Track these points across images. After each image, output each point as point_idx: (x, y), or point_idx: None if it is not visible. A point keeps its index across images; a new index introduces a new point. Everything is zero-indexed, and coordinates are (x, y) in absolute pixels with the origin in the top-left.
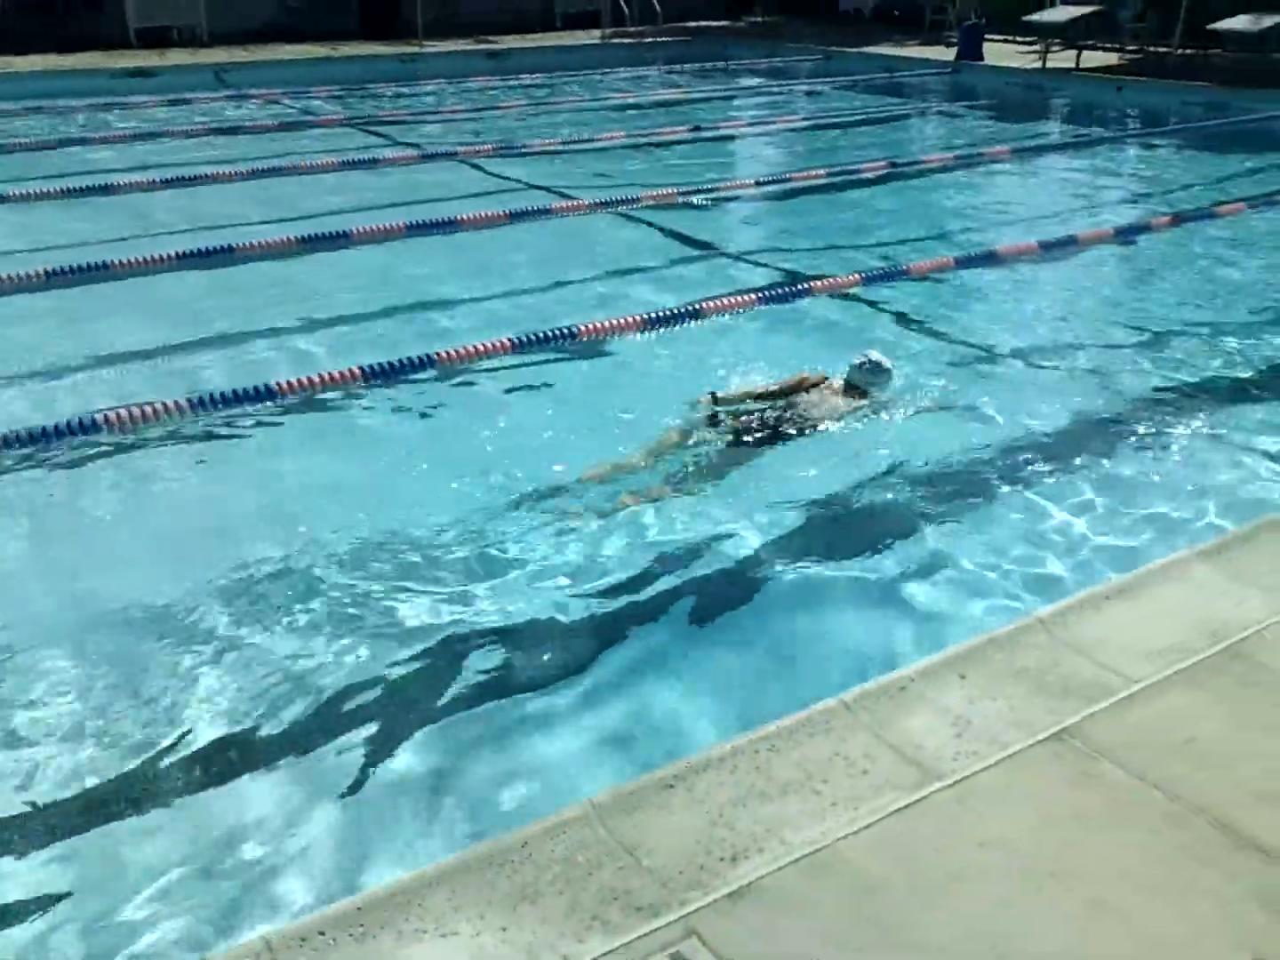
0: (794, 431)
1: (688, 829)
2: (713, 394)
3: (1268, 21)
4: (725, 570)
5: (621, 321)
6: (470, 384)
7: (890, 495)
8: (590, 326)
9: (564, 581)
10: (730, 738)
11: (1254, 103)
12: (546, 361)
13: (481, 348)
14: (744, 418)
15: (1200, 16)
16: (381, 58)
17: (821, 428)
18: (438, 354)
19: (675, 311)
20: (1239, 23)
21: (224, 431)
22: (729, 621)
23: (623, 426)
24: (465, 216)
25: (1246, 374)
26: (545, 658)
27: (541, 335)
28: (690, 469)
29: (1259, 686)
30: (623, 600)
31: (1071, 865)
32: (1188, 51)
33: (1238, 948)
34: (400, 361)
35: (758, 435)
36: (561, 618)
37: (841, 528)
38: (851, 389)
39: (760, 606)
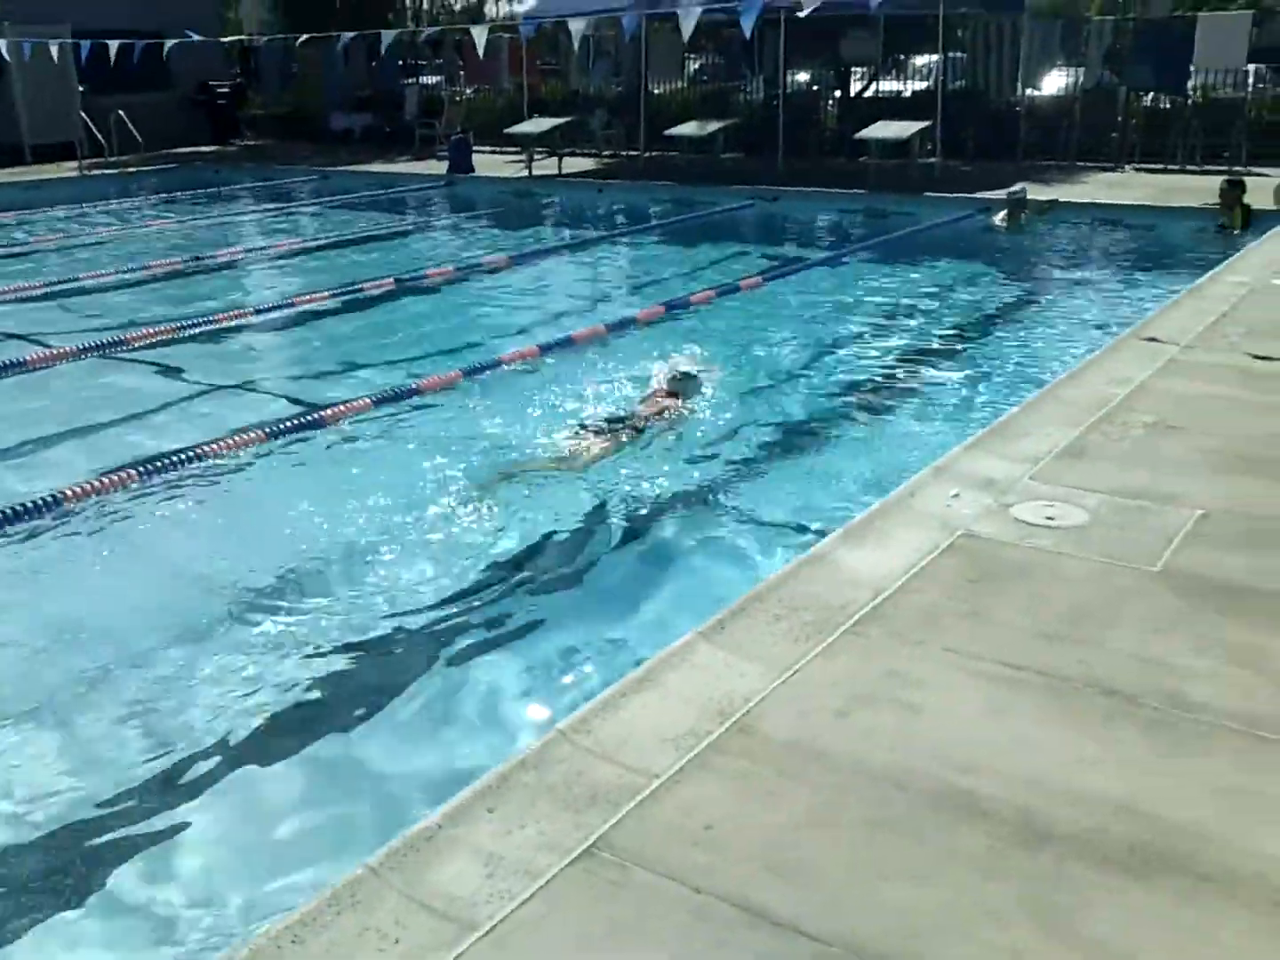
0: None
1: None
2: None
3: (712, 127)
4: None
5: (114, 479)
6: None
7: None
8: (76, 490)
9: None
10: (247, 939)
11: (712, 198)
12: (25, 538)
13: None
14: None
15: (659, 123)
16: None
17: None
18: None
19: (175, 459)
20: (689, 128)
21: None
22: None
23: (107, 598)
24: None
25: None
26: None
27: (12, 510)
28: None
29: (760, 758)
30: None
31: None
32: (654, 154)
33: None
34: None
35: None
36: None
37: None
38: (672, 394)
39: None
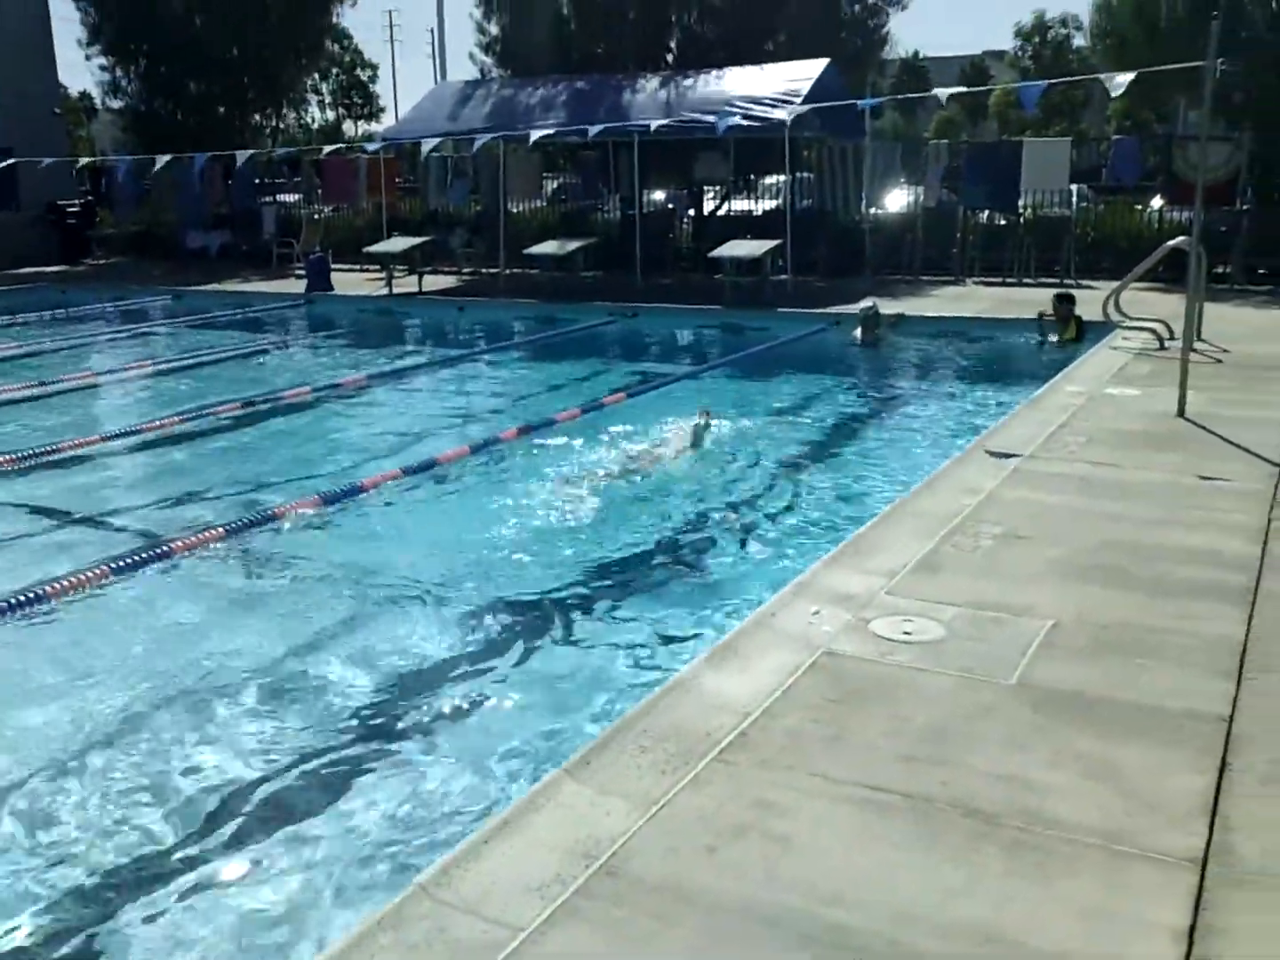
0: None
1: None
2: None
3: (571, 245)
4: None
5: None
6: None
7: None
8: None
9: None
10: None
11: (573, 314)
12: None
13: None
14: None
15: (519, 242)
16: None
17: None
18: None
19: (12, 601)
20: (549, 247)
21: None
22: None
23: None
24: None
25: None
26: None
27: None
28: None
29: (630, 902)
30: None
31: None
32: (514, 272)
33: None
34: None
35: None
36: None
37: None
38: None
39: None
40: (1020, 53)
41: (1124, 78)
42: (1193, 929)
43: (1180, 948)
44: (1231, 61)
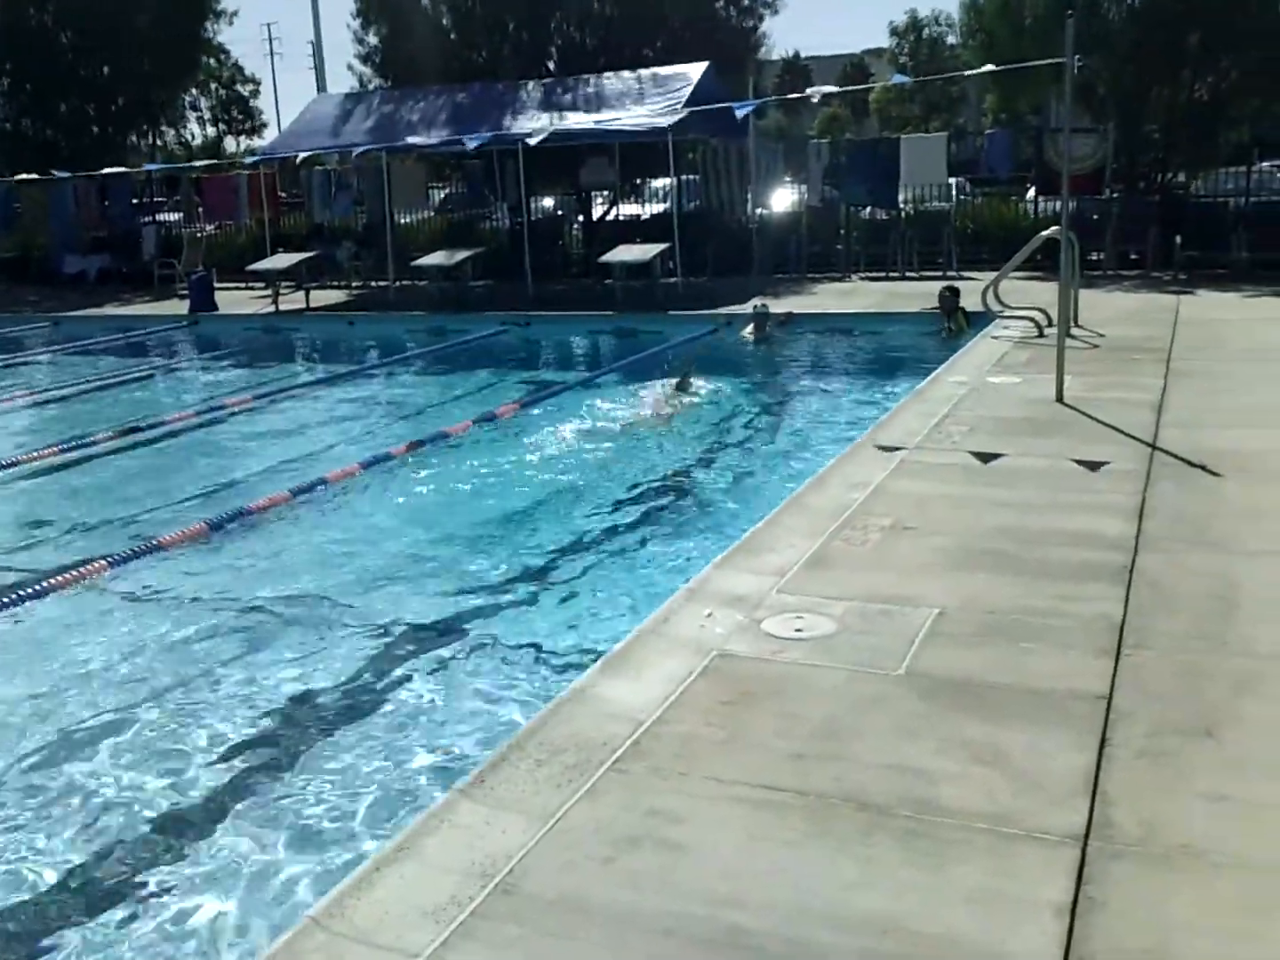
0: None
1: None
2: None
3: (460, 255)
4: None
5: None
6: None
7: None
8: None
9: None
10: None
11: (464, 325)
12: None
13: None
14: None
15: (407, 253)
16: None
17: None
18: None
19: None
20: (437, 258)
21: None
22: None
23: None
24: None
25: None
26: None
27: None
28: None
29: (527, 920)
30: None
31: None
32: (403, 284)
33: None
34: None
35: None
36: None
37: None
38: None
39: None
40: (898, 51)
41: (974, 72)
42: (1075, 903)
43: (1063, 923)
44: (1090, 57)
